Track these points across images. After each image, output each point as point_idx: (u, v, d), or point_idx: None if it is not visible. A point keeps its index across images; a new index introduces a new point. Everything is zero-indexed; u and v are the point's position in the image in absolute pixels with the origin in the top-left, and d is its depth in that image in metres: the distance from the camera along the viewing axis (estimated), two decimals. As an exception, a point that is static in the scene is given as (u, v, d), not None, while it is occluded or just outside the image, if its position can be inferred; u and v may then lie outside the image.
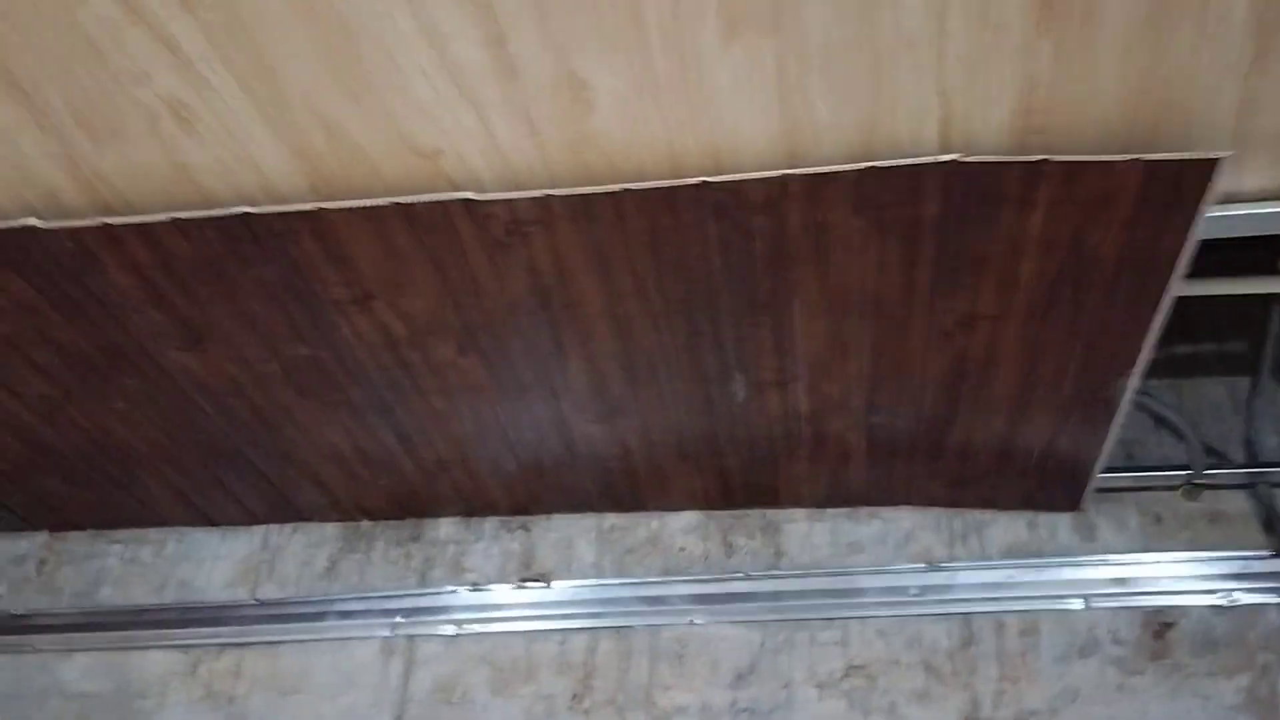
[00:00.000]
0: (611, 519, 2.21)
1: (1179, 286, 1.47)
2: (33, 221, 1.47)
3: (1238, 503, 1.99)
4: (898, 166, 1.32)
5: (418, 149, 1.37)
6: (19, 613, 2.23)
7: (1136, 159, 1.26)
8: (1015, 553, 2.02)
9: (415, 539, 2.25)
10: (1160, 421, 2.06)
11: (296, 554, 2.27)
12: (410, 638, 2.12)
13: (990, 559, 2.02)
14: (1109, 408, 1.71)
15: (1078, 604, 1.95)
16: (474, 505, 2.22)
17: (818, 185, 1.35)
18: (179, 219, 1.45)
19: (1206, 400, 2.12)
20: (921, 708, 1.93)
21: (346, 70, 1.26)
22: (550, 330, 1.65)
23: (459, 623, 2.12)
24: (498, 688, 2.04)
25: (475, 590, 2.15)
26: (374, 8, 1.17)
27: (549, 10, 1.17)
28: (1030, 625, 1.95)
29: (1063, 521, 2.04)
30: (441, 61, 1.24)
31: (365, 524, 2.29)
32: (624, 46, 1.21)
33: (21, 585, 2.29)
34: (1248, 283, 1.63)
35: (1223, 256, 1.57)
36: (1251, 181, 1.35)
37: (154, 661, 2.16)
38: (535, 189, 1.39)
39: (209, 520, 2.29)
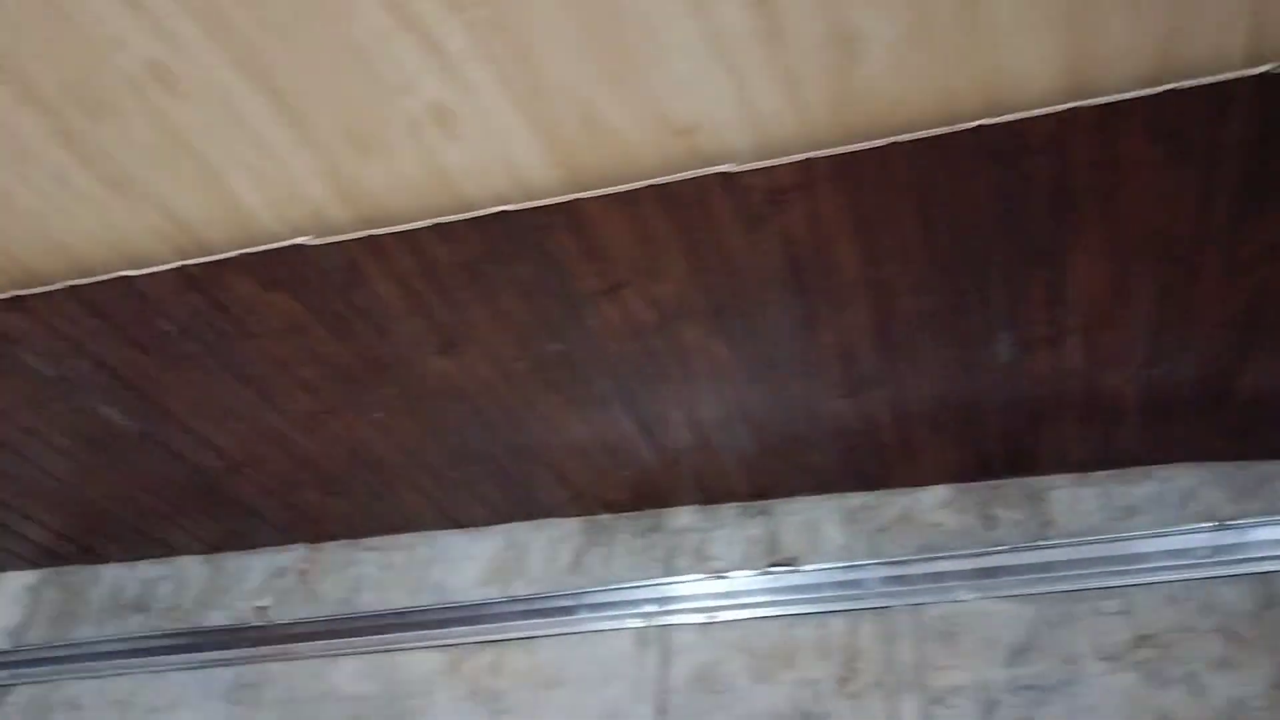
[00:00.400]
0: (857, 498, 2.14)
1: None
2: (302, 240, 1.52)
3: None
4: (1203, 86, 1.20)
5: (674, 126, 1.34)
6: (286, 622, 2.34)
7: None
8: (1316, 505, 1.84)
9: (656, 529, 2.24)
10: None
11: (542, 550, 2.30)
12: (663, 627, 2.10)
13: (1286, 513, 1.85)
14: None
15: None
16: (713, 492, 2.19)
17: (1108, 116, 1.25)
18: (440, 223, 1.47)
19: None
20: (1224, 676, 1.78)
21: (608, 51, 1.24)
22: (802, 303, 1.60)
23: (710, 610, 2.09)
24: (759, 675, 2.00)
25: (722, 578, 2.12)
26: (640, -18, 1.15)
27: (821, -39, 1.12)
28: (1343, 583, 1.77)
29: (1370, 468, 1.85)
30: (705, 30, 1.20)
31: (605, 517, 2.30)
32: (898, -10, 1.14)
33: (286, 596, 2.40)
34: None
35: None
36: None
37: (417, 661, 2.22)
38: (795, 154, 1.34)
39: (456, 523, 2.34)
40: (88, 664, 2.37)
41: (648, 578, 2.17)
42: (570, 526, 2.30)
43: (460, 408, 1.88)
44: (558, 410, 1.91)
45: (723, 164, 1.37)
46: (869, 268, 1.52)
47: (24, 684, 2.40)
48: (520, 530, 2.33)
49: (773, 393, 1.83)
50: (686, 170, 1.38)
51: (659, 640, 2.10)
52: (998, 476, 2.04)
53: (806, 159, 1.34)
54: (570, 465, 2.10)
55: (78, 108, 1.36)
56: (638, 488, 2.19)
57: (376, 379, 1.80)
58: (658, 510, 2.26)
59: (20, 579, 2.59)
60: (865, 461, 2.03)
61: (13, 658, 2.44)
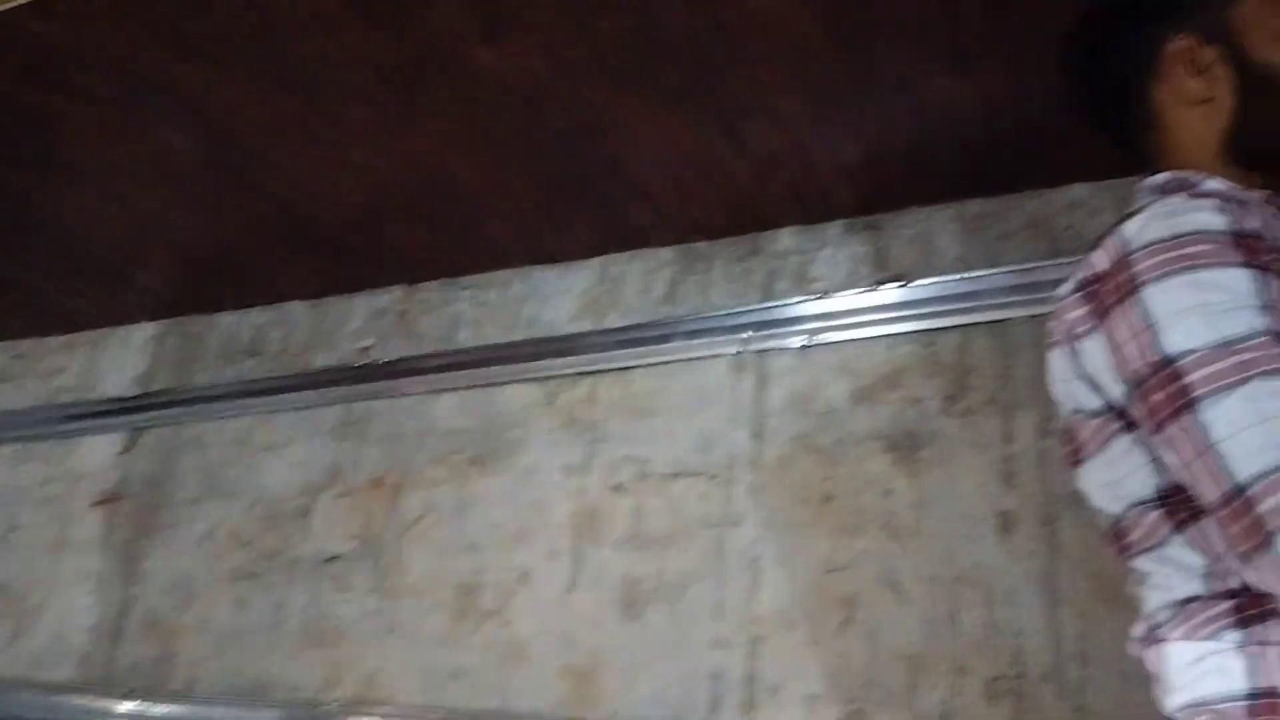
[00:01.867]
0: (976, 205, 1.90)
1: None
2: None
3: None
4: None
5: None
6: (388, 359, 2.34)
7: None
8: None
9: (754, 253, 2.08)
10: None
11: (635, 282, 2.18)
12: (761, 352, 1.98)
13: None
14: None
15: None
16: (814, 209, 2.00)
17: None
18: None
19: None
20: None
21: None
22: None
23: (811, 333, 1.94)
24: (860, 396, 1.86)
25: (824, 298, 1.96)
26: None
27: None
28: None
29: None
30: None
31: (701, 244, 2.15)
32: None
33: (387, 335, 2.39)
34: None
35: None
36: None
37: (514, 395, 2.19)
38: None
39: (550, 257, 2.25)
40: (208, 405, 2.46)
41: (745, 303, 2.03)
42: (665, 256, 2.17)
43: (520, 114, 1.73)
44: (631, 113, 1.73)
45: None
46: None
47: (154, 426, 2.52)
48: (614, 262, 2.22)
49: (867, 72, 1.60)
50: None
51: (756, 365, 1.98)
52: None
53: None
54: (655, 183, 1.94)
55: None
56: (733, 209, 2.01)
57: (426, 80, 1.66)
58: (756, 234, 2.09)
59: (145, 331, 2.69)
60: (985, 160, 1.78)
61: (143, 403, 2.56)
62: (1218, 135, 0.96)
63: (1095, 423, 0.89)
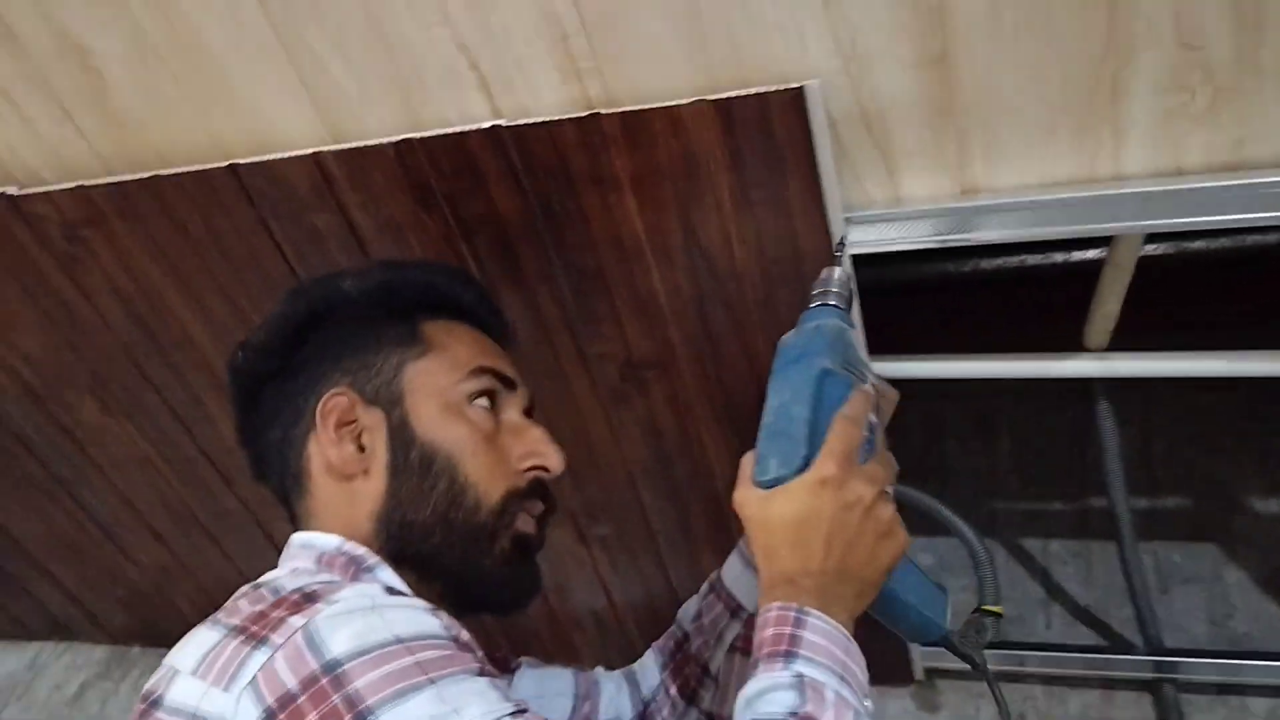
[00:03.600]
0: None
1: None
2: None
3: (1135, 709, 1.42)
4: (441, 136, 1.04)
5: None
6: None
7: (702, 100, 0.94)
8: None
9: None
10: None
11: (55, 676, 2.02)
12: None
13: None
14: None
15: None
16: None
17: (361, 166, 1.08)
18: None
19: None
20: None
21: None
22: (177, 379, 1.40)
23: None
24: None
25: None
26: None
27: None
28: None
29: (895, 704, 1.52)
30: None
31: (136, 650, 2.02)
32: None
33: None
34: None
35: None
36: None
37: None
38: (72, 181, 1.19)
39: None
40: None
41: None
42: (95, 655, 2.03)
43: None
44: (13, 501, 1.69)
45: (12, 185, 1.23)
46: (214, 334, 1.32)
47: None
48: (49, 651, 2.06)
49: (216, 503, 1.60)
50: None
51: None
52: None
53: (80, 186, 1.18)
54: (63, 574, 1.86)
55: None
56: (140, 614, 1.91)
57: None
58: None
59: None
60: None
61: None
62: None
63: None
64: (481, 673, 0.62)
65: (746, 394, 1.19)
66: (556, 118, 0.99)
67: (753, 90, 0.91)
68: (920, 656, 1.45)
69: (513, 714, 0.59)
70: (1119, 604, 1.50)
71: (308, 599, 0.63)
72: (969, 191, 0.97)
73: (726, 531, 1.37)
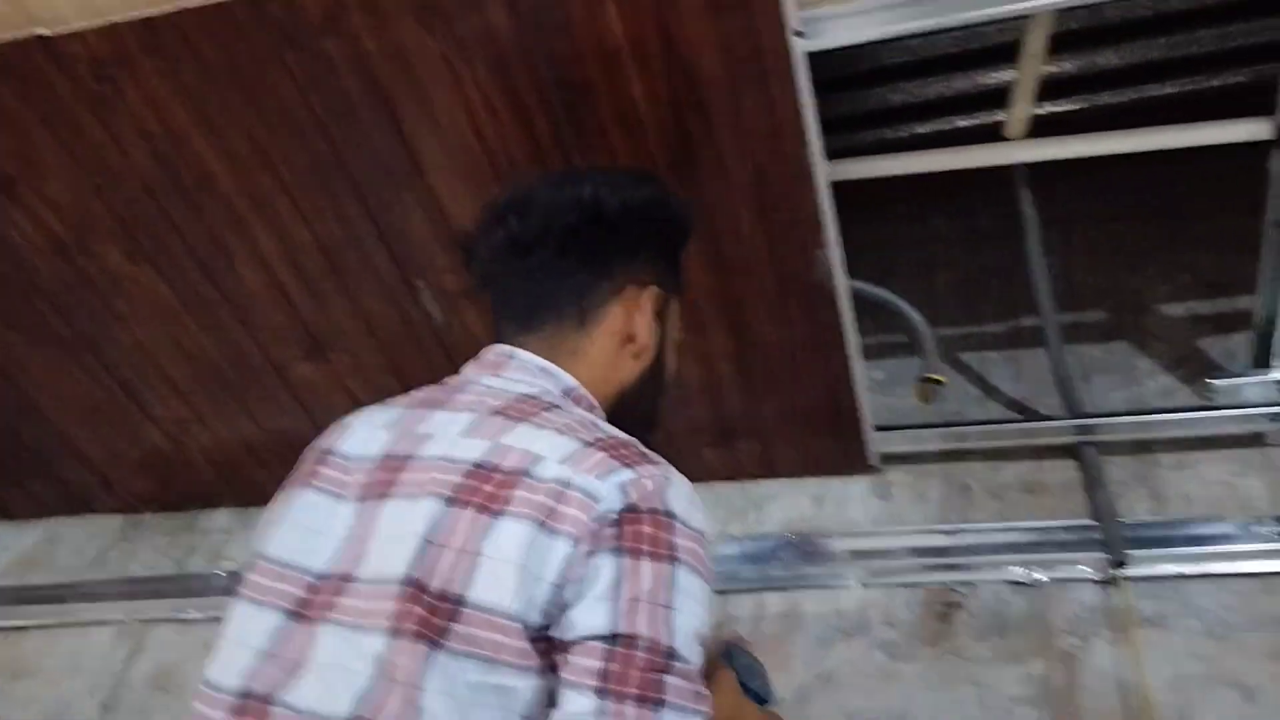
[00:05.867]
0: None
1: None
2: None
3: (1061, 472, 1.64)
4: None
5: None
6: None
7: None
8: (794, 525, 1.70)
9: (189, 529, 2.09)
10: (879, 308, 1.65)
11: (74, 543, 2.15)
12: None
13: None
14: (826, 296, 1.44)
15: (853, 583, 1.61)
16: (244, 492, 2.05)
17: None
18: None
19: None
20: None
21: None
22: (199, 221, 1.53)
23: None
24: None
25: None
26: None
27: None
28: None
29: (855, 489, 1.71)
30: None
31: (149, 516, 2.15)
32: None
33: None
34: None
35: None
36: None
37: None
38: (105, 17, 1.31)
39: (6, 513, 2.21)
40: None
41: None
42: (110, 524, 2.16)
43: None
44: (38, 363, 1.82)
45: (43, 25, 1.34)
46: (239, 175, 1.45)
47: None
48: (64, 524, 2.19)
49: (229, 343, 1.73)
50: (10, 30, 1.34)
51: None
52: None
53: (110, 24, 1.30)
54: (84, 440, 1.98)
55: None
56: (161, 476, 2.04)
57: None
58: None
59: None
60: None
61: None
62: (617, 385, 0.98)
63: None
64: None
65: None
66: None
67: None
68: (875, 443, 1.64)
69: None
70: (1048, 393, 1.71)
71: (643, 456, 0.83)
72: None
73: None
